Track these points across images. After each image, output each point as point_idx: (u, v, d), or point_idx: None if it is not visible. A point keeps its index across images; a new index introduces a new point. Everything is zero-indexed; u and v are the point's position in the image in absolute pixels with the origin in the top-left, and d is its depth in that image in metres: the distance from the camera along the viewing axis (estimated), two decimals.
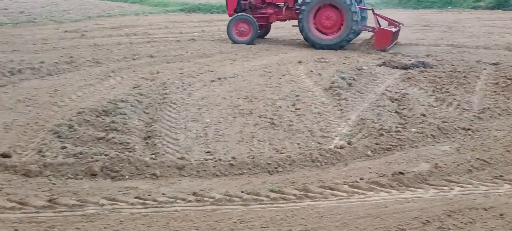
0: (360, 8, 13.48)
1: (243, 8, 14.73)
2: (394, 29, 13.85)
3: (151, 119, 7.39)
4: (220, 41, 14.54)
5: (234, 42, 14.02)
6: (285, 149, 6.44)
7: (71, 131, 6.60)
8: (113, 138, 6.40)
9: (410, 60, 11.70)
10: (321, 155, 6.15)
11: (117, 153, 5.98)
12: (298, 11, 13.89)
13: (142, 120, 7.28)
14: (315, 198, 5.10)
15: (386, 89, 9.19)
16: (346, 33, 13.21)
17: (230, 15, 14.71)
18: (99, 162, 5.67)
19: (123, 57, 11.69)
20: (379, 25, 13.82)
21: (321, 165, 6.01)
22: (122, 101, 7.82)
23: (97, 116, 7.20)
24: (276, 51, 13.02)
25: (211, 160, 6.01)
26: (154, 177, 5.57)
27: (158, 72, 10.13)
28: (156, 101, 8.12)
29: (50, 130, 6.67)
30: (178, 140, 6.67)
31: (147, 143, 6.52)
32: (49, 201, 4.81)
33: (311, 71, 10.59)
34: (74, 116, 7.11)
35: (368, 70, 10.50)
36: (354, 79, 9.64)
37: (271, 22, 15.10)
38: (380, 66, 11.19)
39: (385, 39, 13.25)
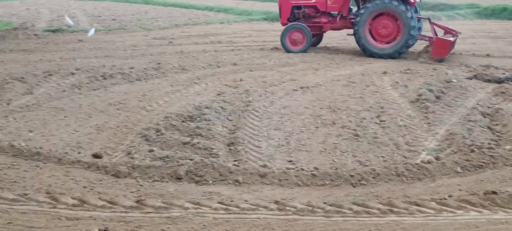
0: (417, 17, 13.23)
1: (297, 17, 14.58)
2: (452, 39, 13.31)
3: (234, 125, 7.48)
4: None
5: (288, 51, 13.92)
6: (369, 161, 6.29)
7: (158, 135, 6.82)
8: (197, 143, 6.53)
9: (504, 74, 11.08)
10: (407, 169, 5.94)
11: (202, 158, 6.09)
12: (353, 20, 13.81)
13: (225, 127, 7.38)
14: (400, 214, 4.92)
15: (478, 104, 8.75)
16: (402, 42, 13.05)
17: (283, 25, 14.68)
18: (184, 166, 5.81)
19: (208, 64, 11.94)
20: (436, 34, 13.32)
21: (407, 179, 5.81)
22: (207, 107, 7.98)
23: (183, 121, 7.39)
24: (360, 61, 12.80)
25: (293, 169, 5.98)
26: (236, 183, 5.63)
27: (241, 80, 10.26)
28: (239, 109, 8.22)
29: (138, 133, 6.93)
30: (261, 147, 6.70)
31: (230, 149, 6.60)
32: (137, 201, 4.97)
33: (397, 82, 10.31)
34: (161, 120, 7.34)
35: (458, 83, 10.05)
36: (442, 92, 9.26)
37: (324, 31, 15.01)
38: (471, 79, 10.68)
39: (444, 48, 12.81)
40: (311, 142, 6.94)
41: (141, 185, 5.51)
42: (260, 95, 9.12)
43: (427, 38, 13.41)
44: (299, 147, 6.77)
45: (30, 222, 4.48)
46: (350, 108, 8.39)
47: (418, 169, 5.96)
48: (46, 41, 15.40)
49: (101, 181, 5.58)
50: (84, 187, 5.37)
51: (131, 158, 6.16)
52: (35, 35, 16.43)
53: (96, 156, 6.29)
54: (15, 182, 5.38)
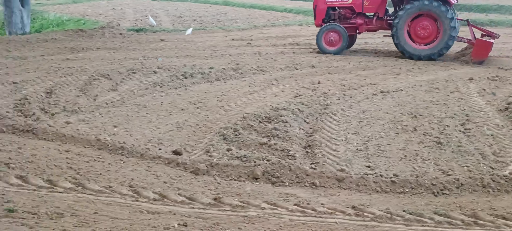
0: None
1: (332, 18, 14.48)
2: (492, 41, 12.82)
3: (311, 128, 7.43)
4: (384, 53, 14.19)
5: (323, 52, 13.87)
6: (452, 170, 6.03)
7: (236, 135, 6.89)
8: (275, 144, 6.54)
9: None
10: (493, 181, 5.64)
11: (279, 159, 6.10)
12: (389, 22, 13.73)
13: (302, 129, 7.35)
14: (486, 227, 4.68)
15: None
16: (442, 43, 12.90)
17: (317, 26, 14.64)
18: (261, 167, 5.83)
19: (286, 66, 11.95)
20: (474, 36, 13.08)
21: (494, 191, 5.52)
22: (284, 109, 7.98)
23: (260, 122, 7.43)
24: (443, 66, 12.33)
25: (372, 175, 5.85)
26: (313, 186, 5.58)
27: (319, 83, 10.18)
28: (316, 111, 8.16)
29: (217, 132, 7.04)
30: (338, 151, 6.61)
31: (307, 151, 6.56)
32: (215, 199, 5.04)
33: (484, 89, 9.83)
34: (239, 120, 7.42)
35: None
36: None
37: (359, 33, 14.69)
38: None
39: (485, 51, 12.61)
40: (391, 148, 6.75)
41: (219, 183, 5.59)
42: (339, 99, 9.01)
43: (466, 40, 13.20)
44: (378, 152, 6.61)
45: (114, 213, 4.65)
46: (432, 115, 8.09)
47: (506, 181, 5.64)
48: (130, 40, 16.02)
49: (181, 177, 5.71)
50: (165, 182, 5.51)
51: (210, 156, 6.27)
52: (120, 34, 17.14)
53: (176, 152, 6.45)
54: (100, 174, 5.61)
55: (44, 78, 9.88)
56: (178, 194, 5.17)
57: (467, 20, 13.58)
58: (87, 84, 9.57)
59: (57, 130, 7.02)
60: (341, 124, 7.72)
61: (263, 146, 6.56)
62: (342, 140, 7.04)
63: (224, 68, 11.22)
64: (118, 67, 10.93)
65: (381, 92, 9.51)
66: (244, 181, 5.70)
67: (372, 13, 14.23)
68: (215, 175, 5.80)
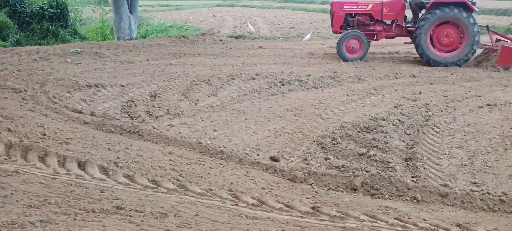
0: None
1: (351, 25, 14.15)
2: None
3: (412, 140, 7.19)
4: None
5: (344, 59, 13.46)
6: None
7: (334, 144, 6.83)
8: (374, 155, 6.41)
9: None
10: None
11: (378, 170, 5.96)
12: (409, 29, 13.64)
13: (403, 140, 7.14)
14: None
15: None
16: (466, 51, 12.89)
17: (335, 32, 14.48)
18: (360, 178, 5.73)
19: (385, 75, 11.67)
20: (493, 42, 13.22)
21: None
22: (384, 119, 7.80)
23: (359, 132, 7.31)
24: None
25: (478, 192, 5.54)
26: (414, 200, 5.40)
27: (420, 93, 9.83)
28: (417, 123, 7.88)
29: (314, 140, 7.02)
30: (441, 165, 6.34)
31: (408, 164, 6.36)
32: (313, 208, 5.01)
33: None
34: (337, 129, 7.34)
35: None
36: None
37: (377, 40, 14.31)
38: None
39: (511, 56, 12.56)
40: (499, 164, 6.37)
41: (316, 192, 5.56)
42: (441, 111, 8.64)
43: (487, 46, 13.25)
44: (484, 168, 6.26)
45: (214, 216, 4.76)
46: None
47: None
48: (229, 46, 16.41)
49: (278, 184, 5.74)
50: (263, 188, 5.57)
51: (307, 164, 6.25)
52: (220, 40, 17.61)
53: (273, 159, 6.51)
54: (201, 177, 5.78)
55: (149, 82, 10.37)
56: (276, 200, 5.20)
57: (487, 26, 13.46)
58: (189, 89, 9.91)
59: (161, 132, 7.33)
60: (444, 137, 7.41)
61: (362, 156, 6.44)
62: (446, 153, 6.75)
63: (321, 76, 11.17)
64: (218, 73, 11.22)
65: (488, 105, 9.01)
66: (342, 191, 5.63)
67: (390, 20, 13.97)
68: (312, 183, 5.77)
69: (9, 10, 18.10)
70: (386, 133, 7.24)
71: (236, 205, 5.06)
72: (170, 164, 6.08)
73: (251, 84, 10.42)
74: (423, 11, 13.73)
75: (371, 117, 7.99)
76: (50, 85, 9.67)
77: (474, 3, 13.08)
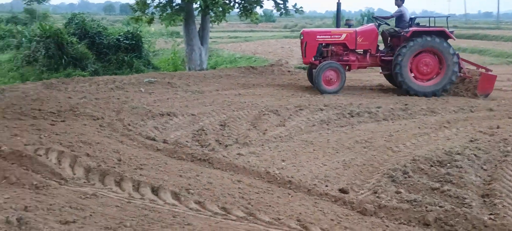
0: None
1: (324, 55, 13.80)
2: (495, 74, 13.15)
3: (489, 176, 6.89)
4: None
5: (322, 92, 13.08)
6: None
7: (405, 177, 6.66)
8: (448, 190, 6.19)
9: None
10: None
11: (452, 206, 5.74)
12: (383, 58, 13.56)
13: (479, 176, 6.85)
14: None
15: None
16: (446, 79, 12.95)
17: (307, 63, 14.22)
18: (433, 213, 5.54)
19: (459, 108, 11.32)
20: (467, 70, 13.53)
21: None
22: (458, 153, 7.54)
23: (432, 166, 7.10)
24: None
25: None
26: None
27: (498, 128, 9.44)
28: (495, 158, 7.55)
29: (385, 173, 6.88)
30: None
31: (484, 201, 6.08)
32: None
33: None
34: (408, 163, 7.16)
35: None
36: None
37: (349, 70, 14.05)
38: None
39: (490, 84, 12.92)
40: None
41: (387, 226, 5.42)
42: None
43: (460, 74, 13.24)
44: None
45: None
46: None
47: None
48: (297, 77, 16.49)
49: (348, 216, 5.65)
50: (332, 219, 5.50)
51: (377, 197, 6.13)
52: (288, 71, 17.74)
53: (342, 191, 6.42)
54: (270, 206, 5.79)
55: (218, 111, 10.57)
56: None
57: (457, 54, 13.25)
58: (257, 119, 10.01)
59: (230, 160, 7.43)
60: None
61: (435, 191, 6.24)
62: None
63: (392, 108, 10.98)
64: (286, 104, 11.29)
65: None
66: (414, 226, 5.46)
67: (362, 50, 13.73)
68: (383, 217, 5.64)
69: (88, 42, 19.10)
70: (461, 167, 6.99)
71: None
72: (239, 192, 6.14)
73: (319, 115, 10.40)
74: (391, 40, 13.93)
75: (445, 150, 7.73)
76: (125, 113, 10.07)
77: (451, 32, 13.12)
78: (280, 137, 8.96)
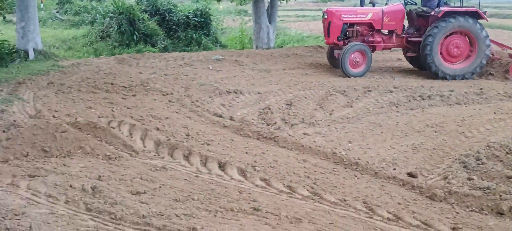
0: None
1: (349, 36, 12.97)
2: None
3: None
4: None
5: (348, 75, 12.29)
6: None
7: (478, 164, 6.41)
8: None
9: None
10: None
11: None
12: (410, 39, 12.89)
13: None
14: None
15: None
16: (477, 62, 12.35)
17: (329, 44, 13.31)
18: (508, 202, 5.32)
19: None
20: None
21: None
22: None
23: (507, 153, 6.78)
24: None
25: None
26: None
27: None
28: None
29: (456, 158, 6.65)
30: None
31: None
32: (453, 229, 4.77)
33: None
34: (482, 149, 6.88)
35: None
36: None
37: (373, 51, 13.04)
38: None
39: None
40: None
41: (457, 212, 5.25)
42: None
43: (492, 56, 12.69)
44: None
45: (348, 227, 4.71)
46: None
47: None
48: None
49: (416, 201, 5.52)
50: (399, 203, 5.39)
51: (448, 182, 5.94)
52: None
53: (411, 175, 6.27)
54: (335, 186, 5.74)
55: (285, 90, 10.55)
56: (413, 217, 5.01)
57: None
58: (324, 99, 9.91)
59: (296, 140, 7.41)
60: None
61: (510, 179, 5.96)
62: None
63: (466, 92, 10.55)
64: (354, 84, 11.09)
65: None
66: (486, 214, 5.25)
67: (386, 31, 13.02)
68: (453, 203, 5.46)
69: (159, 19, 19.48)
70: None
71: (371, 217, 4.97)
72: (304, 172, 6.13)
73: (388, 97, 10.16)
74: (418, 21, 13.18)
75: None
76: (194, 90, 10.25)
77: (484, 12, 12.44)
78: (347, 117, 8.84)
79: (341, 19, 12.94)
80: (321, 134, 7.89)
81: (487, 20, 12.68)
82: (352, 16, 13.04)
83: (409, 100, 9.89)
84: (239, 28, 20.81)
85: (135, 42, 17.56)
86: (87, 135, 6.60)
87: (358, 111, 9.23)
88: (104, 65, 12.41)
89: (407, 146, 7.36)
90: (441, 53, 12.42)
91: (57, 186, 5.01)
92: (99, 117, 7.68)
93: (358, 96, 10.20)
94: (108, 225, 4.28)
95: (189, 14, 19.97)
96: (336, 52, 13.00)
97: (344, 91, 10.42)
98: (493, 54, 12.86)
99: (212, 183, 5.48)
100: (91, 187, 5.00)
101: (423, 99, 9.98)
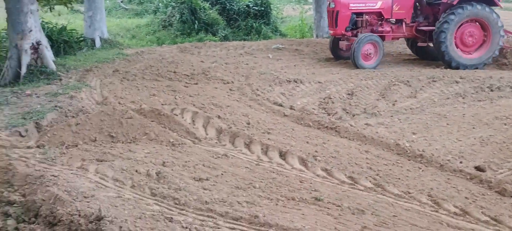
0: None
1: (357, 26, 12.19)
2: None
3: None
4: None
5: (359, 67, 11.52)
6: None
7: None
8: None
9: None
10: None
11: None
12: (421, 28, 12.24)
13: None
14: None
15: None
16: (491, 52, 11.82)
17: (337, 35, 12.34)
18: None
19: None
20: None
21: None
22: None
23: None
24: None
25: None
26: None
27: None
28: None
29: None
30: None
31: None
32: None
33: None
34: None
35: None
36: None
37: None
38: None
39: None
40: None
41: None
42: None
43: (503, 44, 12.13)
44: None
45: (413, 220, 4.60)
46: None
47: None
48: None
49: (484, 195, 5.32)
50: (466, 198, 5.21)
51: None
52: None
53: (479, 168, 6.04)
54: (399, 179, 5.62)
55: (346, 80, 10.39)
56: (482, 212, 4.83)
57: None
58: (387, 89, 9.70)
59: (357, 130, 7.30)
60: None
61: None
62: None
63: None
64: (418, 75, 10.78)
65: None
66: None
67: (394, 20, 12.31)
68: None
69: (219, 8, 19.65)
70: None
71: (436, 211, 4.84)
72: (367, 163, 6.03)
73: (454, 87, 9.80)
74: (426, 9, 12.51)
75: None
76: (254, 78, 10.27)
77: None
78: (410, 108, 8.62)
79: (350, 8, 12.14)
80: (383, 124, 7.74)
81: (501, 7, 12.11)
82: (361, 5, 12.26)
83: (477, 92, 9.51)
84: (299, 17, 20.67)
85: (196, 31, 17.80)
86: (152, 121, 6.75)
87: (422, 102, 8.98)
88: (166, 53, 12.65)
89: (474, 138, 7.09)
90: (455, 42, 11.83)
91: (124, 170, 5.17)
92: (162, 104, 7.85)
93: (423, 86, 9.91)
94: (172, 210, 4.36)
95: (249, 3, 20.01)
96: (342, 43, 12.45)
97: (408, 81, 10.14)
98: (504, 44, 12.21)
99: (273, 172, 5.48)
100: (155, 173, 5.12)
101: (491, 90, 9.57)
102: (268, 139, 6.60)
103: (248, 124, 7.23)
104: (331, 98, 9.02)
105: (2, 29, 12.51)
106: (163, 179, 4.99)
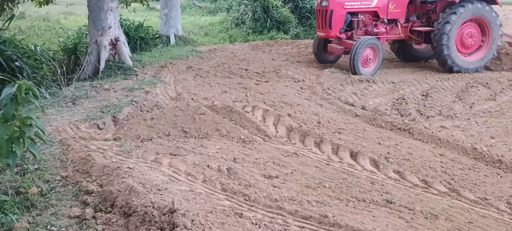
0: None
1: (353, 27, 11.18)
2: None
3: None
4: None
5: (359, 74, 10.38)
6: None
7: None
8: None
9: None
10: None
11: None
12: (416, 29, 11.42)
13: None
14: None
15: None
16: (490, 54, 11.20)
17: (330, 37, 11.18)
18: None
19: None
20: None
21: None
22: None
23: None
24: None
25: None
26: None
27: None
28: None
29: None
30: None
31: None
32: None
33: None
34: None
35: None
36: None
37: None
38: None
39: None
40: None
41: None
42: None
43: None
44: None
45: (489, 227, 4.42)
46: None
47: None
48: None
49: None
50: None
51: None
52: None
53: None
54: (475, 184, 5.41)
55: (420, 80, 10.12)
56: None
57: None
58: (464, 90, 9.35)
59: (432, 132, 7.08)
60: None
61: None
62: None
63: None
64: (498, 76, 10.33)
65: None
66: None
67: (387, 20, 11.42)
68: None
69: (292, 6, 19.63)
70: None
71: None
72: (441, 166, 5.85)
73: None
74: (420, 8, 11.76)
75: None
76: (325, 78, 10.19)
77: None
78: (489, 111, 8.26)
79: (345, 7, 11.06)
80: (460, 127, 7.46)
81: (500, 6, 11.40)
82: (356, 4, 11.18)
83: None
84: None
85: (268, 29, 17.88)
86: (223, 118, 6.86)
87: (502, 106, 8.58)
88: (238, 51, 12.81)
89: None
90: (456, 44, 10.98)
91: (196, 165, 5.28)
92: (234, 101, 7.96)
93: (503, 89, 9.48)
94: (242, 206, 4.42)
95: None
96: (332, 46, 11.33)
97: (487, 83, 9.74)
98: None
99: (344, 172, 5.42)
100: (226, 168, 5.20)
101: None
102: (339, 138, 6.54)
103: (319, 123, 7.19)
104: (404, 99, 8.81)
105: (83, 26, 13.12)
106: (234, 175, 5.06)
